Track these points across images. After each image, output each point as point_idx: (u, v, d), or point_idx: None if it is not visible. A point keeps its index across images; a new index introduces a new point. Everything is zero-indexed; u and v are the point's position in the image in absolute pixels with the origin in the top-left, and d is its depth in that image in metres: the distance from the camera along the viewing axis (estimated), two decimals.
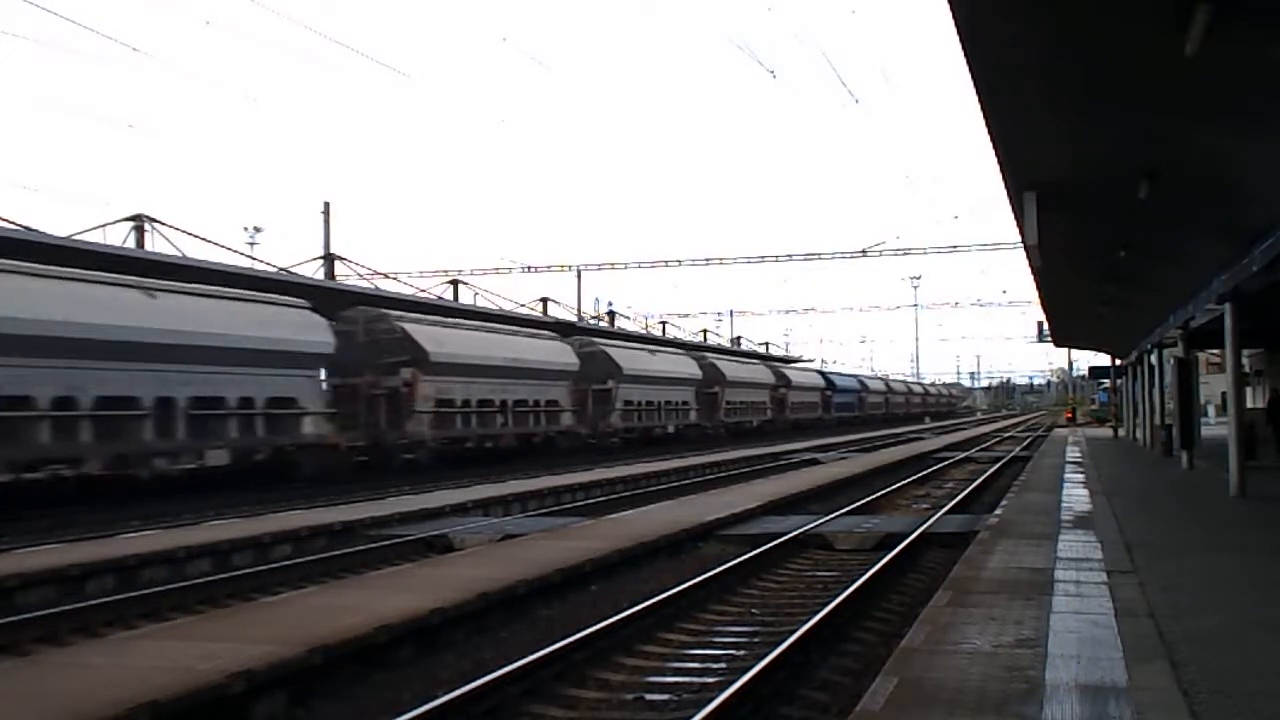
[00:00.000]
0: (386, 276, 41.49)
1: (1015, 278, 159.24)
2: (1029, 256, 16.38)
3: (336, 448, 26.28)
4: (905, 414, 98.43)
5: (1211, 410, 53.27)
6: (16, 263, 19.65)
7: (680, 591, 10.30)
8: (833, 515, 16.70)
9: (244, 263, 31.62)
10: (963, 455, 35.69)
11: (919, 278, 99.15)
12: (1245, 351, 25.38)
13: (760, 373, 61.58)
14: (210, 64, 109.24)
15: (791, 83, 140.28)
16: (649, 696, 7.43)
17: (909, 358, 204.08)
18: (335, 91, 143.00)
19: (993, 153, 10.93)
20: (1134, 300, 22.84)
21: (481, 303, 42.21)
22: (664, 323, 68.20)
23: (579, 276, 60.62)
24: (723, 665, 8.21)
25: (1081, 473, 23.70)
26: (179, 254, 27.22)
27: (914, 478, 25.53)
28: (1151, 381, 33.40)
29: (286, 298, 26.40)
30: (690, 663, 8.40)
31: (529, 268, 62.21)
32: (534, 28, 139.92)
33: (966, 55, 7.92)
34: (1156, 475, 23.44)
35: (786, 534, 14.35)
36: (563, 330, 41.85)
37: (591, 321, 55.88)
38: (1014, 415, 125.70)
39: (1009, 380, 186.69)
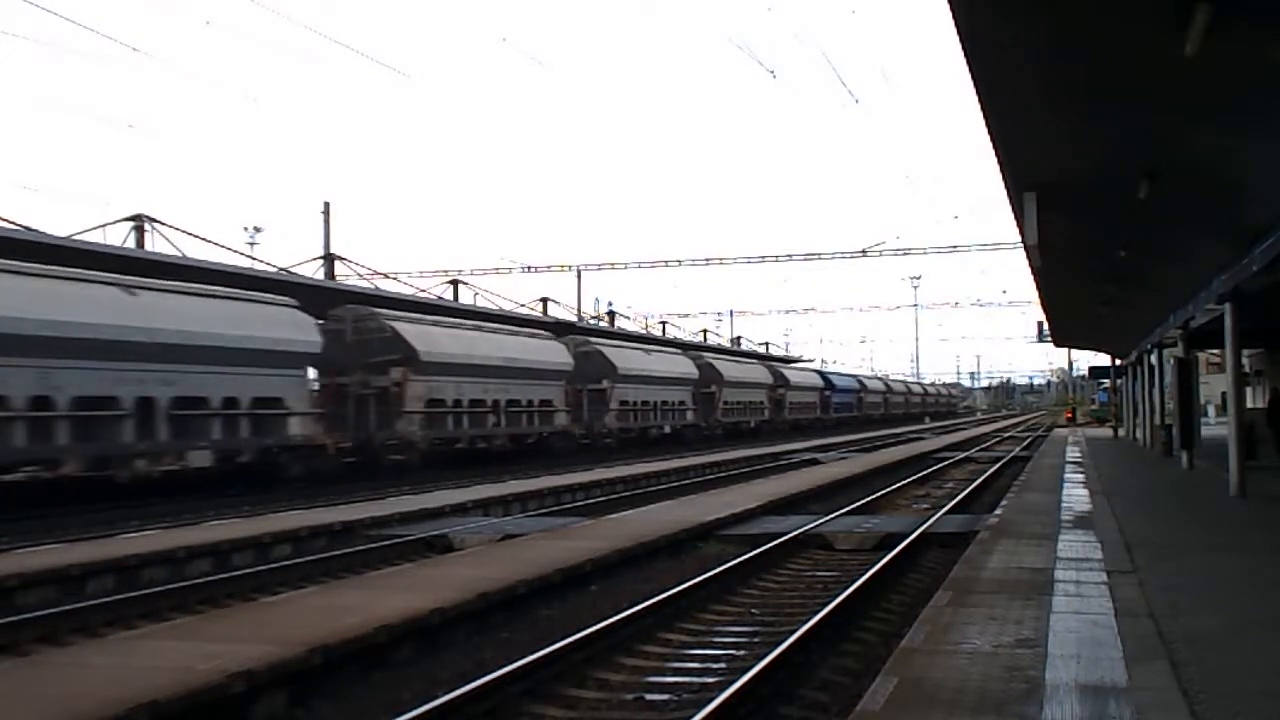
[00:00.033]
0: (386, 276, 41.53)
1: (1015, 278, 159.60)
2: (1029, 256, 16.39)
3: (323, 448, 25.85)
4: (905, 414, 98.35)
5: (1211, 410, 53.28)
6: None
7: (680, 591, 10.30)
8: (833, 515, 16.70)
9: (244, 263, 31.58)
10: (962, 455, 35.69)
11: (919, 278, 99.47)
12: (1245, 351, 25.39)
13: (758, 372, 61.34)
14: (210, 64, 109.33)
15: (791, 83, 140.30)
16: (649, 696, 7.43)
17: (909, 358, 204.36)
18: (335, 91, 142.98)
19: (993, 153, 10.94)
20: (1134, 300, 22.84)
21: (482, 302, 42.22)
22: (664, 323, 68.30)
23: (579, 276, 60.71)
24: (723, 665, 8.21)
25: (1081, 473, 23.70)
26: (179, 254, 27.22)
27: (914, 478, 25.53)
28: (1151, 381, 33.40)
29: (273, 296, 25.92)
30: (690, 663, 8.40)
31: (529, 268, 62.30)
32: (534, 28, 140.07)
33: (966, 55, 7.92)
34: (1156, 475, 23.43)
35: (786, 534, 14.35)
36: (557, 330, 41.50)
37: (591, 321, 55.87)
38: (1014, 415, 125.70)
39: (1009, 380, 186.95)
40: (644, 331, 59.37)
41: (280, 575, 12.56)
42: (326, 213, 39.33)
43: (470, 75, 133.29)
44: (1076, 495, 17.98)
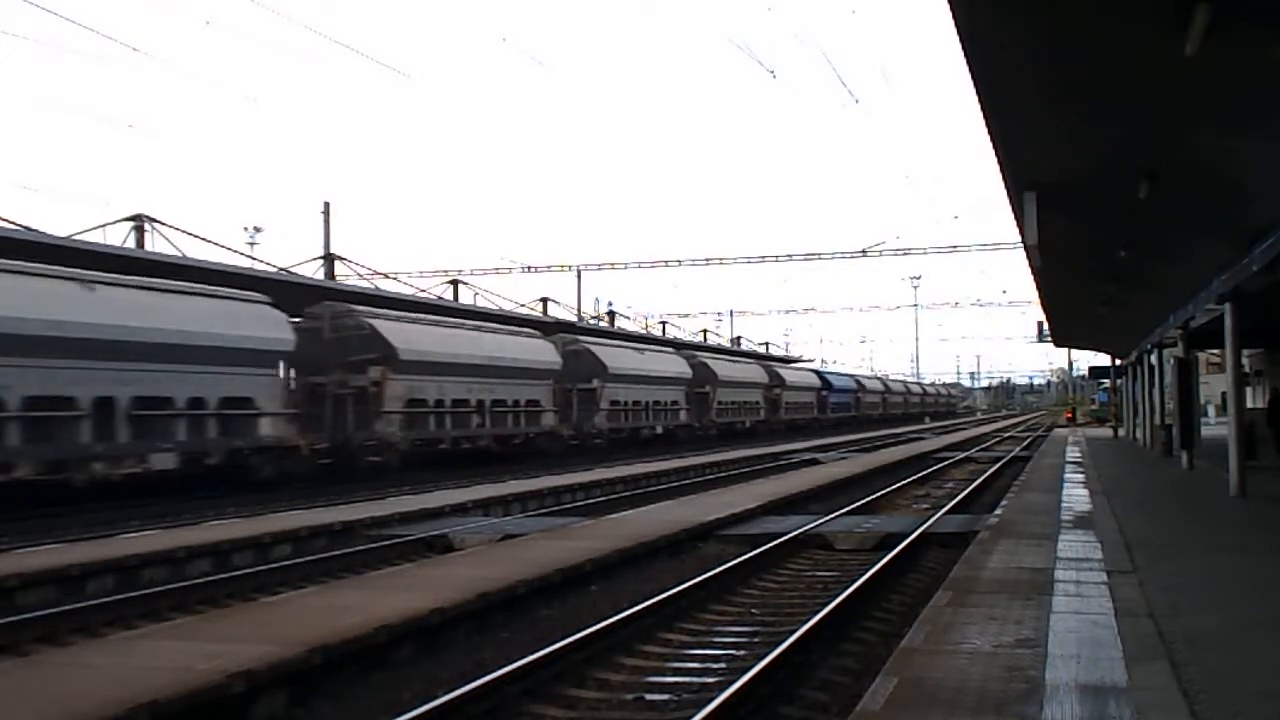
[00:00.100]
0: (386, 276, 41.51)
1: (1015, 278, 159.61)
2: (1029, 256, 16.39)
3: (297, 449, 24.84)
4: (904, 414, 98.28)
5: (1211, 410, 53.28)
6: None
7: (680, 591, 10.30)
8: (833, 515, 16.70)
9: (244, 263, 31.47)
10: (962, 455, 35.69)
11: (919, 278, 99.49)
12: (1245, 351, 25.39)
13: (754, 372, 60.95)
14: (210, 64, 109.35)
15: (791, 83, 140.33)
16: (649, 696, 7.43)
17: (909, 358, 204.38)
18: (335, 91, 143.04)
19: (993, 153, 10.94)
20: (1134, 300, 22.84)
21: (482, 302, 42.19)
22: (664, 323, 68.30)
23: (579, 276, 60.73)
24: (723, 665, 8.21)
25: (1081, 473, 23.70)
26: (179, 254, 27.21)
27: (914, 478, 25.53)
28: (1151, 381, 33.40)
29: (244, 292, 24.84)
30: (690, 663, 8.40)
31: (529, 268, 62.32)
32: (534, 28, 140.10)
33: (966, 55, 7.92)
34: (1156, 475, 23.44)
35: (786, 534, 14.35)
36: (546, 328, 40.82)
37: (592, 321, 55.84)
38: (1014, 415, 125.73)
39: (1009, 380, 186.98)
40: (643, 331, 59.37)
41: (280, 575, 12.56)
42: (326, 213, 39.35)
43: (470, 75, 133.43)
44: (1076, 495, 17.98)
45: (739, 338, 78.74)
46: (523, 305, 46.04)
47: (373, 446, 27.88)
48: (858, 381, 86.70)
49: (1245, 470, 16.96)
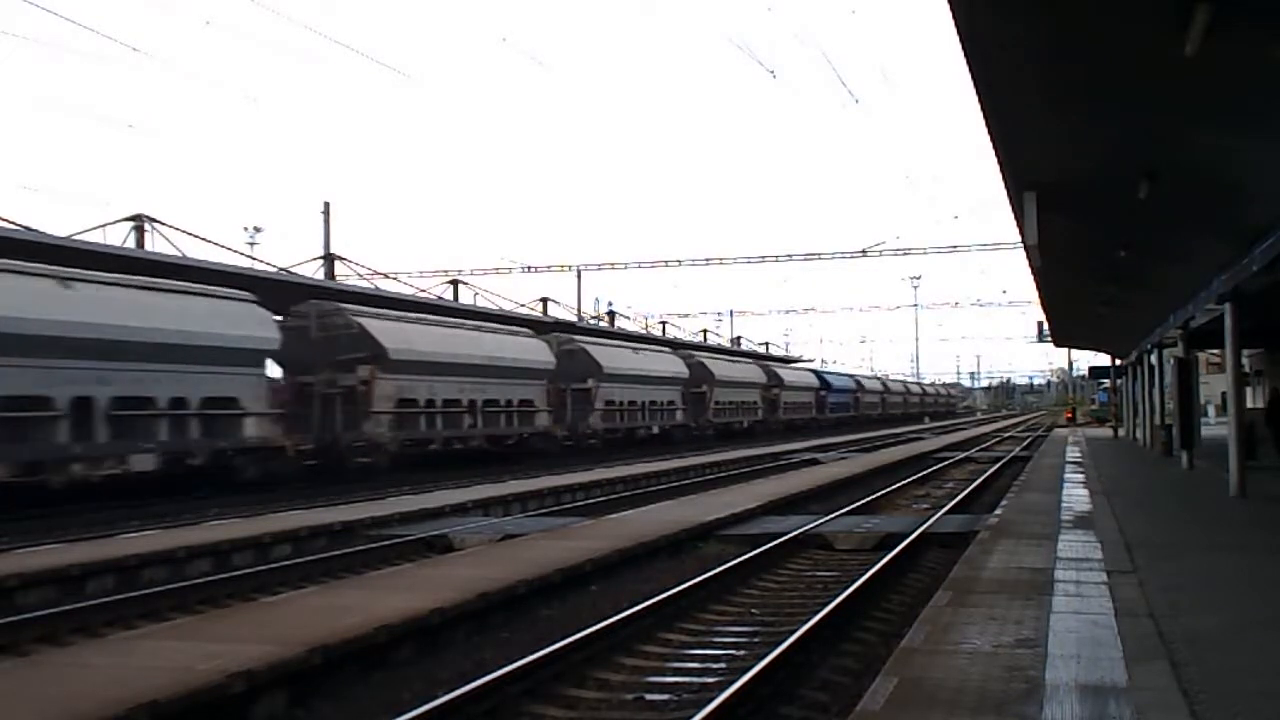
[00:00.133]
0: (387, 276, 41.47)
1: (1015, 278, 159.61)
2: (1029, 256, 16.39)
3: (282, 450, 24.34)
4: (903, 414, 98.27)
5: (1211, 410, 53.28)
6: None
7: (680, 591, 10.30)
8: (833, 515, 16.70)
9: (244, 263, 31.42)
10: (962, 455, 35.69)
11: (919, 278, 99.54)
12: (1245, 351, 25.39)
13: (751, 372, 60.75)
14: (210, 64, 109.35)
15: (791, 83, 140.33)
16: (649, 696, 7.44)
17: (909, 358, 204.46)
18: (335, 91, 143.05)
19: (993, 153, 10.94)
20: (1134, 300, 22.85)
21: (482, 302, 42.16)
22: (664, 323, 68.28)
23: (579, 276, 60.75)
24: (723, 665, 8.21)
25: (1081, 473, 23.70)
26: (179, 254, 27.21)
27: (914, 478, 25.53)
28: (1151, 381, 33.40)
29: (228, 290, 24.34)
30: (690, 663, 8.40)
31: (529, 268, 62.35)
32: (534, 28, 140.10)
33: (966, 55, 7.92)
34: (1156, 475, 23.43)
35: (786, 534, 14.35)
36: (542, 327, 40.44)
37: (592, 321, 55.82)
38: (1014, 415, 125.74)
39: (1009, 380, 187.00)
40: (643, 331, 59.35)
41: (280, 575, 12.56)
42: (326, 213, 39.35)
43: (470, 75, 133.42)
44: (1076, 495, 17.98)
45: (739, 338, 78.78)
46: (523, 305, 46.05)
47: (361, 447, 27.39)
48: (856, 381, 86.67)
49: (1245, 470, 16.96)
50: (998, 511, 15.60)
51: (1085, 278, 20.79)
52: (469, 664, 8.09)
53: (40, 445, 19.51)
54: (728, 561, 12.24)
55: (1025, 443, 45.20)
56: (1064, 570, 9.96)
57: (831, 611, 9.26)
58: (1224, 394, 33.23)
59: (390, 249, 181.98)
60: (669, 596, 10.03)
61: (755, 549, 13.18)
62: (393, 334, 28.92)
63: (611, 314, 61.22)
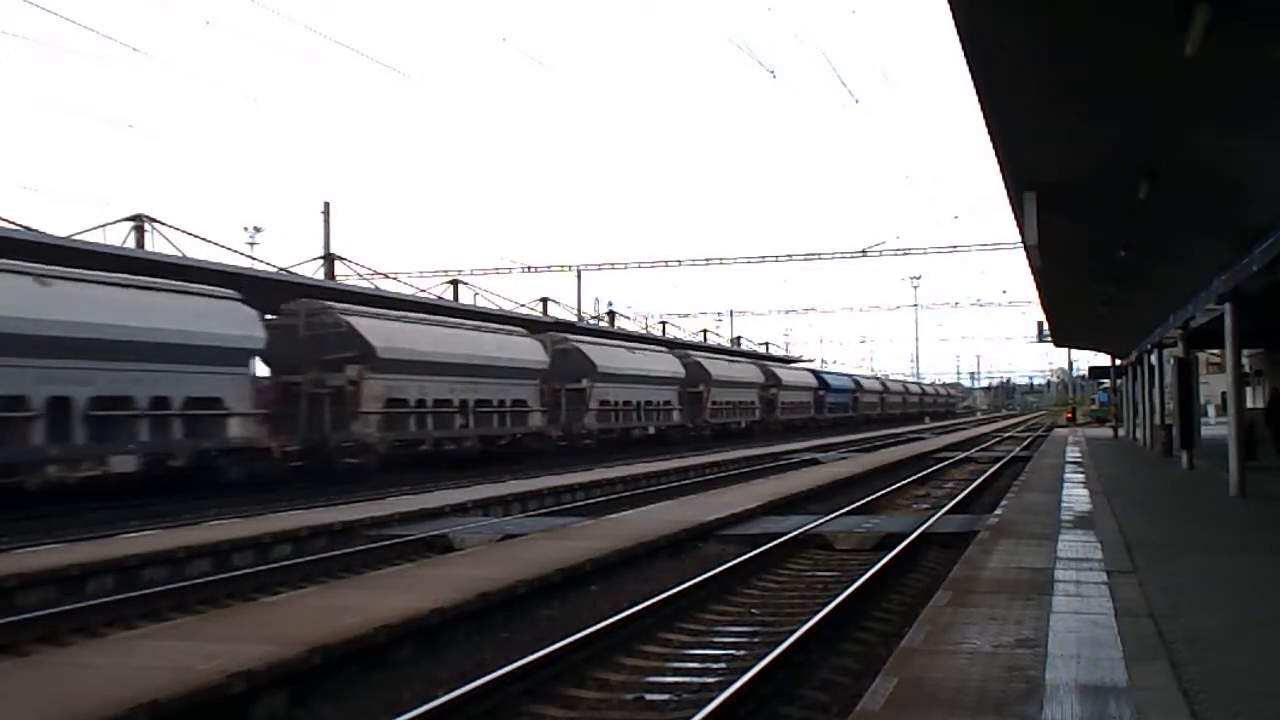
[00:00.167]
0: (387, 276, 41.48)
1: (1015, 278, 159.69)
2: (1029, 256, 16.39)
3: (268, 451, 23.84)
4: (903, 414, 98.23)
5: (1211, 410, 53.28)
6: None
7: (680, 591, 10.30)
8: (833, 515, 16.70)
9: (244, 263, 31.41)
10: (962, 455, 35.69)
11: (919, 278, 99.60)
12: (1245, 351, 25.39)
13: (749, 372, 60.45)
14: (210, 64, 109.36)
15: (791, 83, 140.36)
16: (649, 696, 7.43)
17: (909, 358, 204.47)
18: (335, 91, 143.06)
19: (993, 153, 10.94)
20: (1134, 300, 22.85)
21: (482, 302, 42.17)
22: (664, 323, 68.30)
23: (579, 276, 60.78)
24: (723, 665, 8.21)
25: (1081, 473, 23.70)
26: (179, 254, 27.21)
27: (914, 478, 25.53)
28: (1151, 381, 33.40)
29: (212, 288, 23.84)
30: (690, 663, 8.40)
31: (529, 268, 62.37)
32: (534, 28, 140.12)
33: (966, 55, 7.92)
34: (1156, 475, 23.44)
35: (786, 534, 14.35)
36: (537, 327, 40.16)
37: (591, 321, 55.81)
38: (1014, 415, 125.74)
39: (1009, 380, 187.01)
40: (642, 331, 59.35)
41: (280, 575, 12.56)
42: (326, 213, 39.36)
43: (470, 75, 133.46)
44: (1076, 495, 17.98)
45: (739, 338, 78.80)
46: (523, 305, 46.07)
47: (349, 448, 26.87)
48: (855, 381, 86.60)
49: (1245, 470, 16.96)
50: (998, 511, 15.60)
51: (1085, 278, 20.80)
52: (469, 664, 8.09)
53: (15, 447, 18.99)
54: (728, 561, 12.24)
55: (1025, 443, 45.19)
56: (1064, 570, 9.96)
57: (831, 611, 9.26)
58: (1224, 394, 33.24)
59: (391, 249, 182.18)
60: (669, 596, 10.03)
61: (755, 549, 13.18)
62: (382, 333, 28.50)
63: (611, 314, 61.23)
